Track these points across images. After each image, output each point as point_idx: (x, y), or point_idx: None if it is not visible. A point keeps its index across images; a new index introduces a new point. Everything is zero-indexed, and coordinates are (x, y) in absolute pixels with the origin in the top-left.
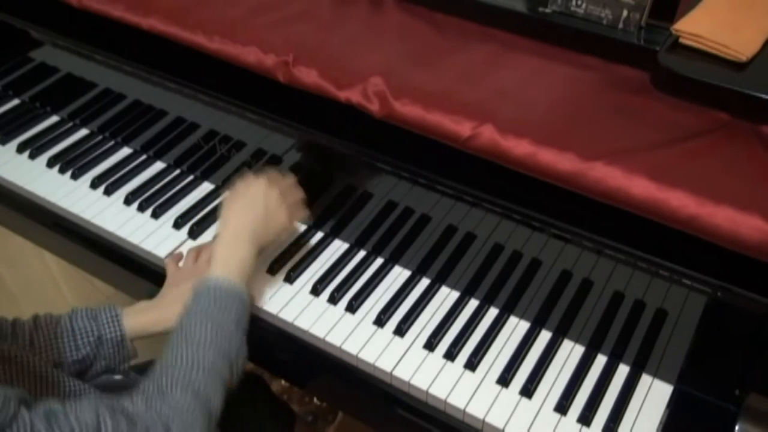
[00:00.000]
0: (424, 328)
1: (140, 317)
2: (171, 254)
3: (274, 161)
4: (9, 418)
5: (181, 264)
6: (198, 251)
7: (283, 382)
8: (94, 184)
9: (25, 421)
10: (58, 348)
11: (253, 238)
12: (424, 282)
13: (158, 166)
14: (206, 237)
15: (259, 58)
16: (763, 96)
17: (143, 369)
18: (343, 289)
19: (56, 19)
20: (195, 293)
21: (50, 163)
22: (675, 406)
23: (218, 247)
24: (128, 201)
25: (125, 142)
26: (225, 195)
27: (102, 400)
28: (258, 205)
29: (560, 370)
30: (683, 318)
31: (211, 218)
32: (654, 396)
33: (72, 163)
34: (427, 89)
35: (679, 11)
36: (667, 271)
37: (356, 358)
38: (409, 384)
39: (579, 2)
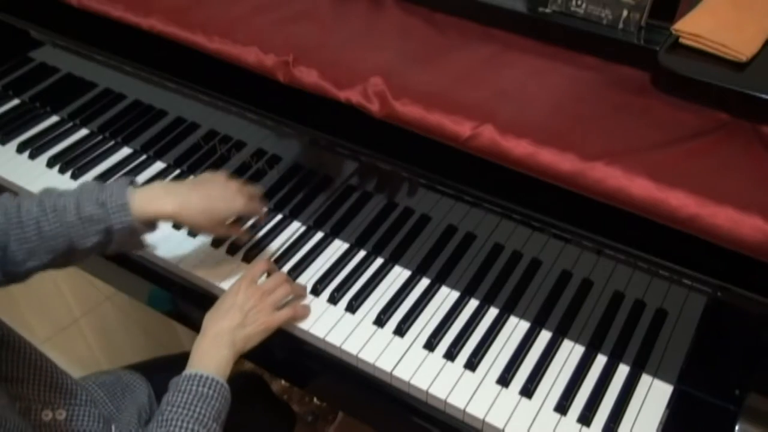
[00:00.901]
0: (424, 328)
1: (151, 204)
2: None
3: (274, 161)
4: None
5: None
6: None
7: (283, 382)
8: None
9: None
10: (68, 235)
11: (230, 341)
12: (424, 282)
13: (158, 166)
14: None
15: (259, 58)
16: (763, 96)
17: (143, 368)
18: (343, 289)
19: (56, 19)
20: (177, 387)
21: (50, 163)
22: (675, 406)
23: (197, 347)
24: None
25: (125, 142)
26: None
27: None
28: (235, 309)
29: (560, 370)
30: (683, 318)
31: None
32: (654, 396)
33: (72, 163)
34: (427, 89)
35: (679, 11)
36: (667, 271)
37: (356, 358)
38: (409, 384)
39: (579, 2)
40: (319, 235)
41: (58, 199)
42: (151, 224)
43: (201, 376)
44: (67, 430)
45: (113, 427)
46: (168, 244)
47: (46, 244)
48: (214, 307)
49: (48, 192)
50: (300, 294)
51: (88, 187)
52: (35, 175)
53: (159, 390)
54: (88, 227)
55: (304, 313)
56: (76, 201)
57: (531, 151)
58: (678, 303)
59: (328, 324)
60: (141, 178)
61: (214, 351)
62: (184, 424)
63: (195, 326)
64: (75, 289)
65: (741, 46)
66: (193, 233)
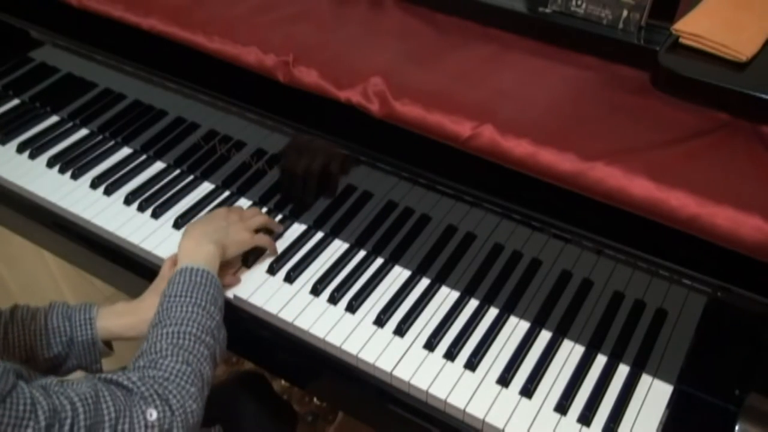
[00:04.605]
0: (424, 328)
1: (115, 321)
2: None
3: (274, 161)
4: (8, 388)
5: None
6: (175, 259)
7: (283, 382)
8: (94, 184)
9: (24, 391)
10: (31, 344)
11: (215, 239)
12: (424, 282)
13: (158, 166)
14: None
15: (259, 58)
16: (763, 96)
17: None
18: (343, 289)
19: (56, 19)
20: (171, 281)
21: (50, 163)
22: (675, 406)
23: (183, 247)
24: (128, 201)
25: (125, 142)
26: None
27: (95, 376)
28: (219, 219)
29: (560, 370)
30: (683, 318)
31: None
32: (654, 396)
33: (72, 163)
34: (427, 89)
35: (679, 11)
36: (667, 271)
37: (356, 358)
38: (409, 384)
39: (579, 2)
40: (319, 235)
41: (29, 311)
42: (110, 345)
43: (192, 268)
44: None
45: None
46: (168, 244)
47: (10, 351)
48: (196, 220)
49: (25, 306)
50: (277, 229)
51: (58, 304)
52: (35, 175)
53: None
54: (52, 338)
55: (273, 249)
56: (44, 313)
57: (531, 151)
58: (678, 303)
59: (328, 324)
60: (141, 178)
61: (199, 248)
62: (184, 308)
63: None
64: (75, 288)
65: (741, 46)
66: None
